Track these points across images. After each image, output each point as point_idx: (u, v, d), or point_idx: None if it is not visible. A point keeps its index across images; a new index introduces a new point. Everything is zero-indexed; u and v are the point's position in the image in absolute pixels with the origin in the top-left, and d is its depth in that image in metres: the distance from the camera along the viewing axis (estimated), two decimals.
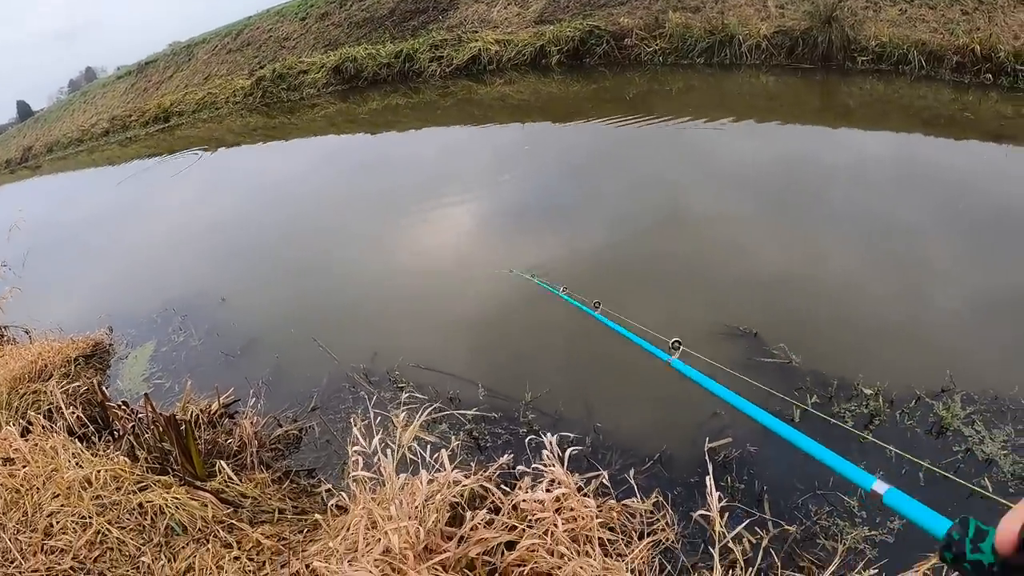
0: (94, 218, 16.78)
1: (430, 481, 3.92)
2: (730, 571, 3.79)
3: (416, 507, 3.72)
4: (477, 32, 21.48)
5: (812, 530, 4.60)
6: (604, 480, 4.36)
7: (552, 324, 7.28)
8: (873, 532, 4.56)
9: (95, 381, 7.36)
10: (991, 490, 4.77)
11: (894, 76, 16.14)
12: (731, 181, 11.00)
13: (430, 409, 4.81)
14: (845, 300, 7.43)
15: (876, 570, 3.97)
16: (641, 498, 4.41)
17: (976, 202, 9.82)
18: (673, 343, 2.91)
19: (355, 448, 4.24)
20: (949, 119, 13.89)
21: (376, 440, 4.20)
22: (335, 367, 7.10)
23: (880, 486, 1.28)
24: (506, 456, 4.63)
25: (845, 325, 6.95)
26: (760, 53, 17.45)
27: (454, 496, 3.99)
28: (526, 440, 4.95)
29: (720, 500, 3.78)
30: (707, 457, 4.84)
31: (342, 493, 4.46)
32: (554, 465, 4.11)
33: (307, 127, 20.36)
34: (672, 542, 4.30)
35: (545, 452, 4.21)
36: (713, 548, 3.69)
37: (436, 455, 4.22)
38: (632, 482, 4.40)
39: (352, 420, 4.70)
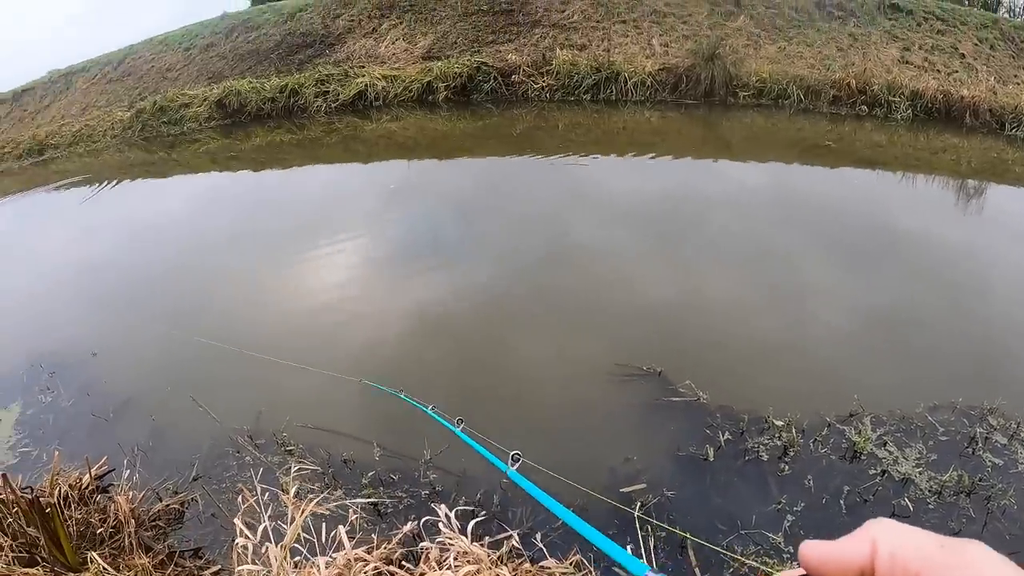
0: None
1: (328, 564, 3.70)
2: None
3: None
4: (364, 67, 21.14)
5: (741, 571, 4.53)
6: (515, 542, 4.18)
7: (447, 371, 7.10)
8: None
9: None
10: (911, 509, 4.90)
11: (774, 110, 16.84)
12: (617, 215, 11.04)
13: (320, 486, 4.83)
14: (744, 331, 7.44)
15: None
16: (558, 558, 4.25)
17: (853, 224, 10.31)
18: (513, 455, 3.11)
19: (240, 542, 3.92)
20: (826, 149, 14.47)
21: (265, 524, 3.92)
22: (217, 429, 6.52)
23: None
24: (409, 524, 4.43)
25: (748, 356, 6.97)
26: (645, 89, 17.88)
27: None
28: (429, 503, 4.80)
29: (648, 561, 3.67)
30: (636, 512, 4.75)
31: None
32: (459, 536, 3.94)
33: (188, 163, 19.41)
34: None
35: (442, 525, 4.04)
36: None
37: (333, 532, 3.98)
38: (540, 545, 4.22)
39: (240, 500, 4.41)
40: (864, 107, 16.48)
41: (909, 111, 16.19)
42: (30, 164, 24.11)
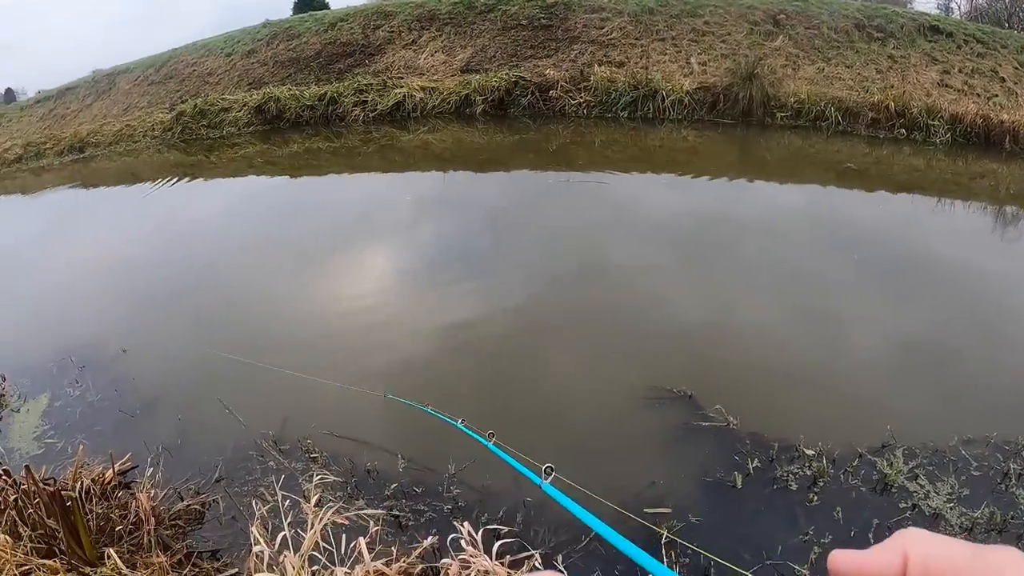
0: None
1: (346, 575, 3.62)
2: None
3: None
4: (403, 78, 21.28)
5: None
6: (537, 562, 4.14)
7: (474, 387, 7.09)
8: None
9: None
10: None
11: (811, 131, 16.64)
12: (652, 234, 10.97)
13: (343, 495, 4.80)
14: (777, 356, 7.33)
15: None
16: None
17: (890, 249, 10.12)
18: (546, 468, 3.05)
19: (257, 549, 3.90)
20: (862, 172, 14.27)
21: (285, 532, 3.91)
22: (242, 432, 6.50)
23: None
24: (430, 538, 4.36)
25: (780, 382, 6.84)
26: (683, 108, 17.79)
27: None
28: (451, 518, 4.77)
29: None
30: (664, 534, 4.57)
31: None
32: (481, 555, 3.87)
33: (225, 166, 19.73)
34: None
35: (464, 540, 3.95)
36: None
37: (353, 543, 3.95)
38: (560, 567, 4.23)
39: (255, 504, 4.39)
40: (903, 130, 16.26)
41: (948, 135, 15.97)
42: (70, 161, 24.37)
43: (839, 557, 0.56)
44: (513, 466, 3.54)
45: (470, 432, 4.46)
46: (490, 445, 3.98)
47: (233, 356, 7.65)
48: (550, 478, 3.03)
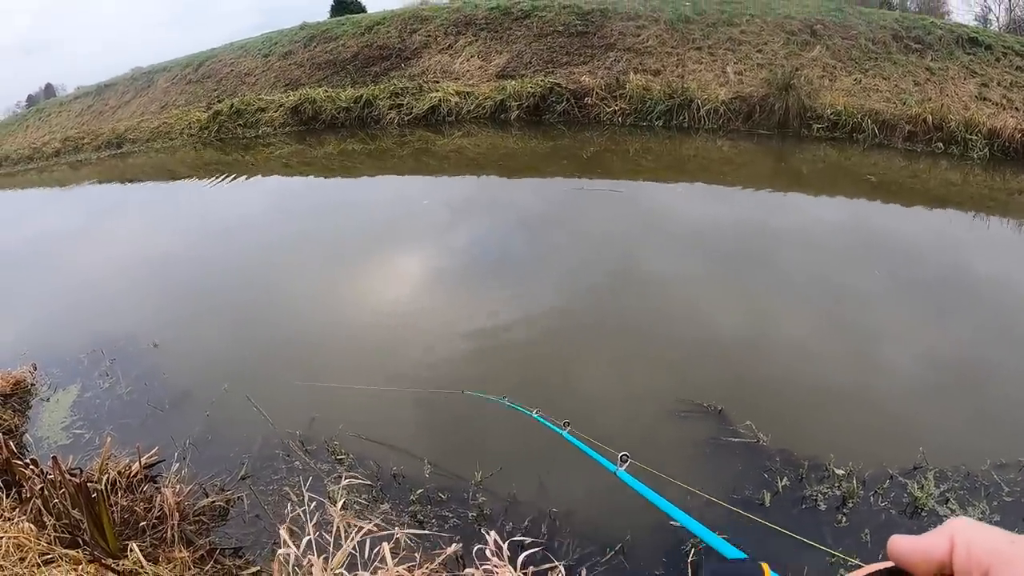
0: (31, 242, 15.67)
1: None
2: None
3: None
4: (438, 82, 21.36)
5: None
6: (561, 573, 4.04)
7: (503, 390, 6.98)
8: None
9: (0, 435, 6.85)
10: None
11: (848, 144, 16.33)
12: (684, 246, 10.84)
13: (368, 499, 4.78)
14: (809, 372, 7.22)
15: None
16: None
17: (926, 266, 9.95)
18: (621, 456, 3.08)
19: (283, 551, 3.88)
20: (899, 186, 14.04)
21: (310, 535, 3.90)
22: (269, 431, 6.55)
23: None
24: (454, 546, 4.32)
25: (812, 399, 6.72)
26: (718, 118, 17.59)
27: None
28: (475, 525, 4.78)
29: None
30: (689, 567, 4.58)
31: None
32: (506, 566, 3.83)
33: (261, 165, 19.85)
34: None
35: (489, 550, 3.88)
36: None
37: (377, 548, 3.92)
38: None
39: (284, 504, 4.44)
40: (940, 144, 15.83)
41: (986, 150, 15.46)
42: (108, 156, 24.79)
43: (896, 541, 0.64)
44: (589, 454, 3.55)
45: (546, 422, 4.43)
46: (565, 434, 3.99)
47: (300, 382, 7.63)
48: (626, 465, 3.07)
